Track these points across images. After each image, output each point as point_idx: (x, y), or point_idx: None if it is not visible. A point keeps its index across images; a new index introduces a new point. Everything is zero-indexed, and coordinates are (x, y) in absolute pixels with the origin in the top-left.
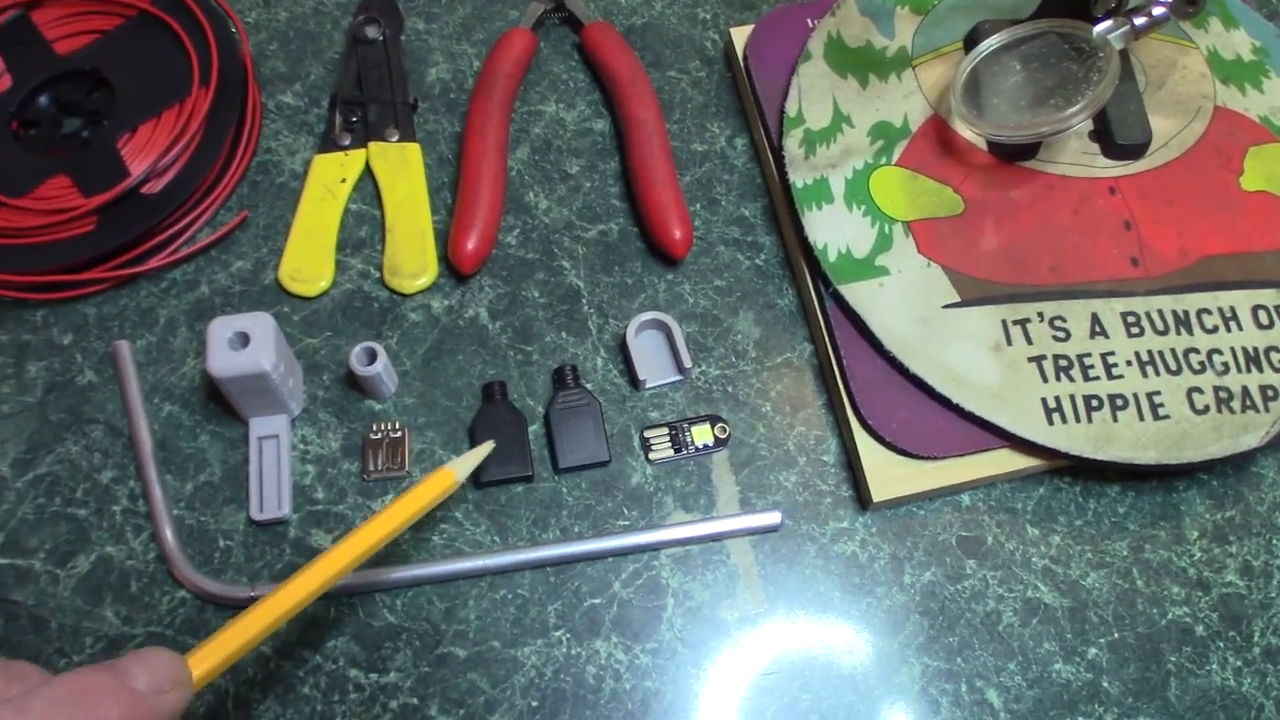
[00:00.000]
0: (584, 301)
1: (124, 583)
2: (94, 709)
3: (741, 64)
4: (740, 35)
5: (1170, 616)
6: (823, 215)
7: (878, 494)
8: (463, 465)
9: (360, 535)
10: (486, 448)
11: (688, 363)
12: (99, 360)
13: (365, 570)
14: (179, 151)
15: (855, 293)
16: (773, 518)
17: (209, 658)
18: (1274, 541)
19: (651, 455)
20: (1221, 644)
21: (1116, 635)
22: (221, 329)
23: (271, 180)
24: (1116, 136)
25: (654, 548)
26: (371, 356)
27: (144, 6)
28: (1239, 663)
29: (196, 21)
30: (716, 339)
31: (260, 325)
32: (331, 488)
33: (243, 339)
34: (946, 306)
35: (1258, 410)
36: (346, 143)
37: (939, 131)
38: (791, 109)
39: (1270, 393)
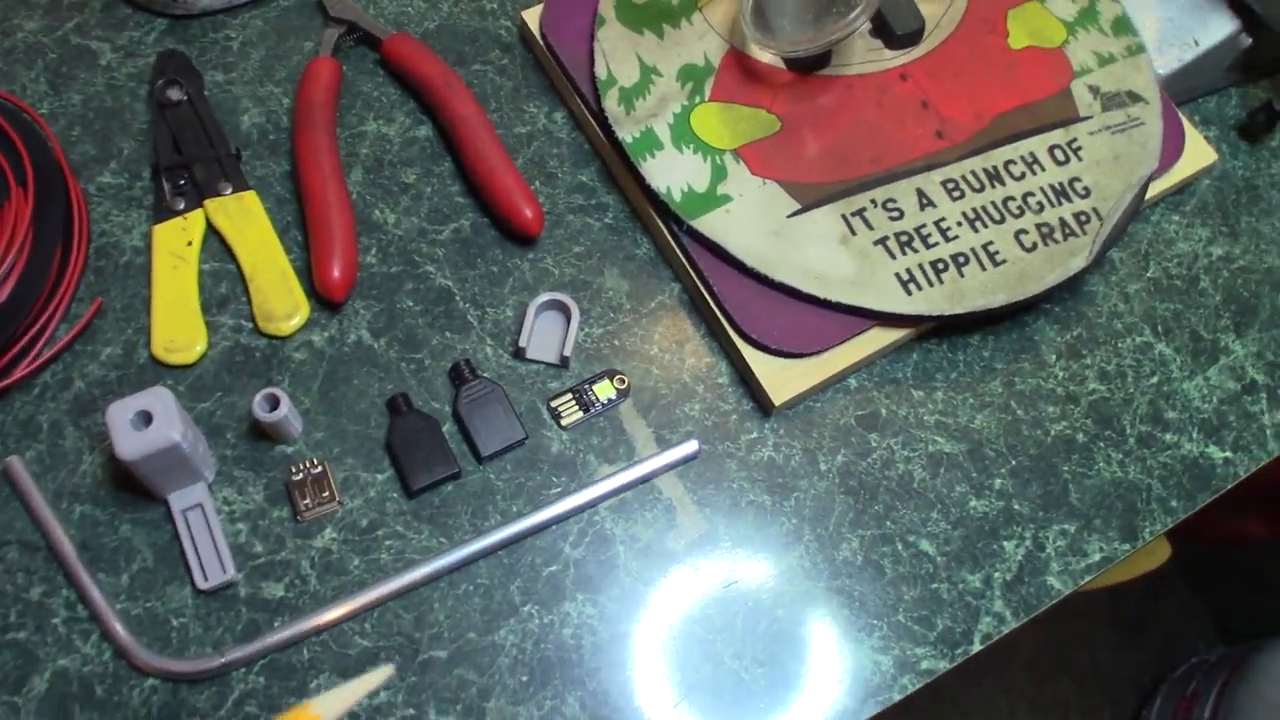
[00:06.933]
0: (458, 298)
1: (87, 690)
2: None
3: (541, 43)
4: (533, 16)
5: (1053, 433)
6: (658, 162)
7: (777, 398)
8: (329, 705)
9: None
10: (370, 677)
11: (568, 351)
12: None
13: (322, 609)
14: (13, 258)
15: (708, 223)
16: (690, 447)
17: None
18: (1119, 345)
19: (563, 422)
20: (1102, 444)
21: (1014, 462)
22: (120, 412)
23: (115, 262)
24: (894, 28)
25: (590, 505)
26: (274, 402)
27: None
28: (1120, 455)
29: None
30: (591, 300)
31: (159, 399)
32: (268, 538)
33: (145, 417)
34: (790, 216)
35: (1077, 235)
36: (181, 207)
37: (739, 61)
38: (601, 73)
39: (1083, 217)
